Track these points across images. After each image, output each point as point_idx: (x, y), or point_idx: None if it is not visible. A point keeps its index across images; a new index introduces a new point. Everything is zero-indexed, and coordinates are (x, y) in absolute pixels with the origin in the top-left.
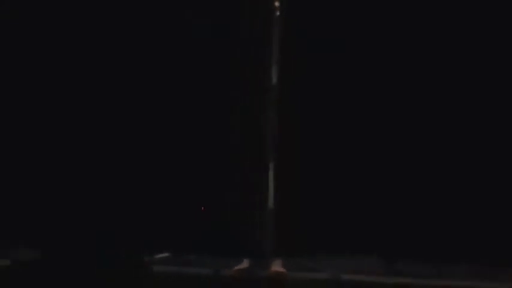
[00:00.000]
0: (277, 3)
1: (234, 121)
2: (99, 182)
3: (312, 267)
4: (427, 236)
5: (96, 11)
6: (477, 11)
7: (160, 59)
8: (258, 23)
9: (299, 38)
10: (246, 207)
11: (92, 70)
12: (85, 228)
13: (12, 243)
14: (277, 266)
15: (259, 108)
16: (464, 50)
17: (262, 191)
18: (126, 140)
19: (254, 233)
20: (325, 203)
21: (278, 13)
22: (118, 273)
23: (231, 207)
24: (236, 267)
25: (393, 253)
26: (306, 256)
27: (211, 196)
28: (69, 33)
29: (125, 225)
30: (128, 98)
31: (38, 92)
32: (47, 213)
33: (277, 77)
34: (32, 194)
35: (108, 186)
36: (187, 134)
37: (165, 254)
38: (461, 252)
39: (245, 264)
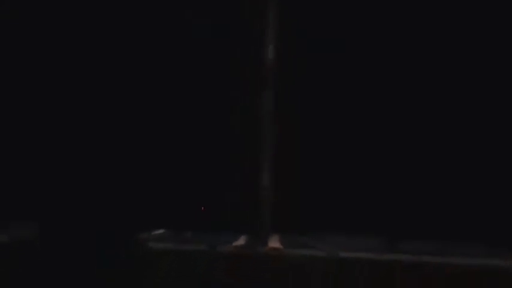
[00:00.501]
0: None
1: (234, 121)
2: (99, 180)
3: (310, 244)
4: (428, 214)
5: (96, 11)
6: (477, 11)
7: (160, 59)
8: (258, 22)
9: (298, 38)
10: (243, 185)
11: (92, 70)
12: (85, 226)
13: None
14: (274, 243)
15: (258, 107)
16: (464, 50)
17: (259, 167)
18: (126, 139)
19: (251, 209)
20: (324, 180)
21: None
22: (118, 272)
23: (229, 188)
24: (233, 244)
25: (393, 231)
26: (305, 234)
27: (216, 198)
28: (69, 33)
29: (125, 224)
30: (128, 97)
31: (38, 91)
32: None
33: (277, 75)
34: (32, 189)
35: (107, 186)
36: (187, 133)
37: (161, 231)
38: (462, 230)
39: (242, 240)
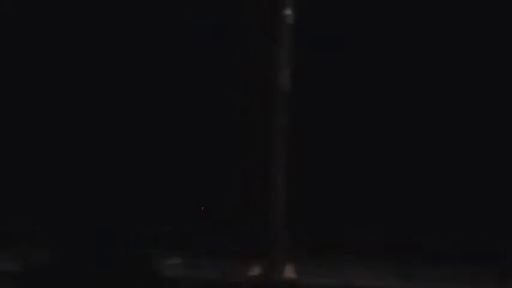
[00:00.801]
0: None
1: (235, 121)
2: (100, 182)
3: (324, 273)
4: (439, 239)
5: (96, 11)
6: (477, 11)
7: (160, 59)
8: (260, 23)
9: (305, 38)
10: (257, 211)
11: (92, 70)
12: (86, 228)
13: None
14: (289, 272)
15: (261, 108)
16: (468, 51)
17: (272, 194)
18: (127, 140)
19: (266, 238)
20: (337, 208)
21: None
22: (118, 273)
23: (240, 210)
24: (248, 273)
25: (406, 258)
26: (319, 262)
27: (216, 198)
28: (69, 33)
29: (126, 225)
30: (128, 97)
31: (39, 91)
32: (49, 212)
33: (281, 77)
34: (32, 194)
35: (108, 186)
36: (187, 133)
37: (178, 260)
38: (476, 255)
39: (257, 269)
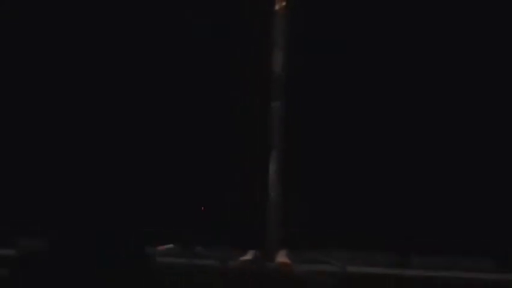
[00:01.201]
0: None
1: (234, 121)
2: (100, 181)
3: (319, 259)
4: (438, 228)
5: (96, 11)
6: (477, 11)
7: (160, 59)
8: (260, 22)
9: (302, 37)
10: (251, 199)
11: (92, 70)
12: (86, 227)
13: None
14: (283, 258)
15: (259, 107)
16: (468, 51)
17: (266, 183)
18: (127, 140)
19: (260, 224)
20: (334, 195)
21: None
22: (118, 273)
23: (235, 198)
24: (241, 259)
25: (403, 246)
26: (313, 249)
27: (212, 191)
28: (69, 33)
29: (126, 224)
30: (128, 97)
31: (37, 90)
32: (49, 208)
33: (279, 76)
34: (33, 191)
35: (108, 186)
36: (187, 133)
37: (170, 246)
38: (473, 245)
39: (250, 255)
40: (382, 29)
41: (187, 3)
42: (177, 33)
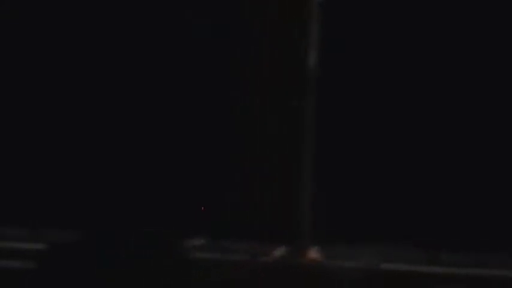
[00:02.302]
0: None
1: (236, 121)
2: (100, 181)
3: (350, 255)
4: (468, 226)
5: (96, 10)
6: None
7: (160, 58)
8: (300, 28)
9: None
10: (283, 194)
11: (91, 70)
12: (89, 227)
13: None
14: (313, 254)
15: (261, 107)
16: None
17: (299, 178)
18: (127, 140)
19: (292, 219)
20: (365, 192)
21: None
22: (120, 273)
23: (267, 194)
24: (272, 254)
25: (434, 243)
26: (345, 244)
27: (244, 186)
28: (69, 33)
29: (127, 224)
30: (128, 97)
31: (37, 90)
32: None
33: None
34: (32, 193)
35: (108, 186)
36: (187, 133)
37: (201, 241)
38: (503, 242)
39: (281, 250)
40: (394, 28)
41: (187, 3)
42: (177, 33)
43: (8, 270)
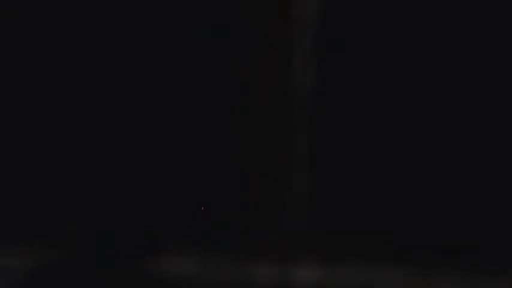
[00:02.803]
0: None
1: (235, 121)
2: (100, 181)
3: (344, 274)
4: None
5: (96, 10)
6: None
7: (160, 59)
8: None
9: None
10: (275, 209)
11: (91, 70)
12: (86, 228)
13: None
14: (307, 273)
15: (261, 108)
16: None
17: (299, 179)
18: (127, 140)
19: (283, 238)
20: (365, 191)
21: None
22: (119, 273)
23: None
24: (264, 273)
25: (429, 260)
26: (339, 263)
27: (216, 198)
28: (68, 33)
29: (127, 224)
30: (128, 97)
31: (37, 90)
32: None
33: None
34: (32, 193)
35: (107, 186)
36: (187, 133)
37: (185, 255)
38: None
39: (274, 270)
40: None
41: (187, 3)
42: (177, 33)
43: (8, 270)
